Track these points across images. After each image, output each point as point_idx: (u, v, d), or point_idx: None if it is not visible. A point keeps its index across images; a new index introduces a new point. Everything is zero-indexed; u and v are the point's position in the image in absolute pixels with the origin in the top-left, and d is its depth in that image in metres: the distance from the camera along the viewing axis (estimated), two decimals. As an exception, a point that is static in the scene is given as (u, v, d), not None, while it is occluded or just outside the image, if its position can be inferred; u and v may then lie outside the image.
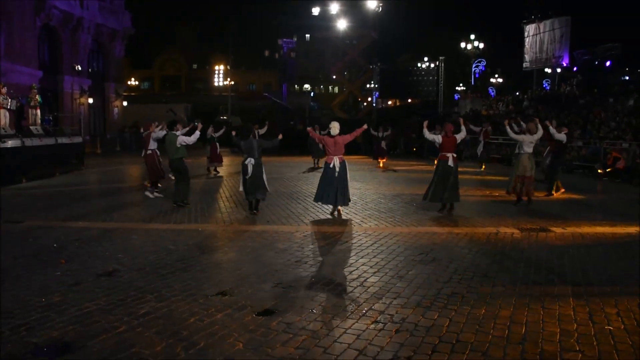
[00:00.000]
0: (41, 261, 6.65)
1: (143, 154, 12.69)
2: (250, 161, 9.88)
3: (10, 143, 14.65)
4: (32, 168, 15.71)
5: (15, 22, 26.98)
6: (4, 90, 15.88)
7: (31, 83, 21.84)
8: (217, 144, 17.81)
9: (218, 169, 18.04)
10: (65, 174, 17.39)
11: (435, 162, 10.80)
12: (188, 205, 10.91)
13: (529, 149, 11.37)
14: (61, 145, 17.91)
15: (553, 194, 12.90)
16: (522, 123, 13.62)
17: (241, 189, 10.21)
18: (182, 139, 11.05)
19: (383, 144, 21.51)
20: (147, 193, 12.38)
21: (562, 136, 12.98)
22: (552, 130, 13.00)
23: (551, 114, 26.47)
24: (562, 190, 13.16)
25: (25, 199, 12.18)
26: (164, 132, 12.02)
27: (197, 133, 11.32)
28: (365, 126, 10.53)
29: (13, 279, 5.90)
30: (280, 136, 10.73)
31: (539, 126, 11.56)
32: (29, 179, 15.27)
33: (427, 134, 11.18)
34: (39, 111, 18.43)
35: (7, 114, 15.92)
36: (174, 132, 11.25)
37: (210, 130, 17.91)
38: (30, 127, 17.01)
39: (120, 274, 6.11)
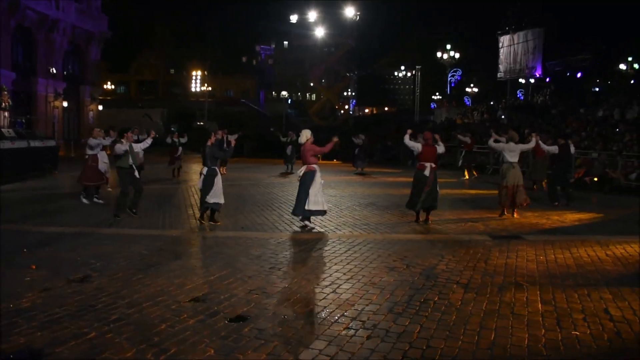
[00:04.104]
0: (10, 266, 6.53)
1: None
2: (203, 170, 9.80)
3: (-21, 146, 14.38)
4: (3, 172, 15.39)
5: (-13, 23, 26.56)
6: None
7: (2, 84, 21.50)
8: (180, 147, 18.12)
9: (182, 174, 18.17)
10: (38, 178, 17.09)
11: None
12: (134, 215, 10.26)
13: (511, 158, 10.99)
14: (34, 149, 17.59)
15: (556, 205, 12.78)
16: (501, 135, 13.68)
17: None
18: (120, 147, 10.12)
19: (362, 151, 21.70)
20: (83, 199, 11.98)
21: (552, 148, 13.02)
22: (541, 144, 12.95)
23: (525, 123, 26.97)
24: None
25: (-5, 203, 11.95)
26: (126, 148, 10.42)
27: (148, 141, 11.19)
28: (335, 139, 10.13)
29: (-20, 284, 5.78)
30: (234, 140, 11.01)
31: (534, 138, 11.59)
32: (0, 182, 14.98)
33: (407, 142, 10.59)
34: (7, 113, 18.13)
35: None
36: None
37: (175, 135, 18.38)
38: (2, 130, 16.70)
39: (91, 280, 6.04)
